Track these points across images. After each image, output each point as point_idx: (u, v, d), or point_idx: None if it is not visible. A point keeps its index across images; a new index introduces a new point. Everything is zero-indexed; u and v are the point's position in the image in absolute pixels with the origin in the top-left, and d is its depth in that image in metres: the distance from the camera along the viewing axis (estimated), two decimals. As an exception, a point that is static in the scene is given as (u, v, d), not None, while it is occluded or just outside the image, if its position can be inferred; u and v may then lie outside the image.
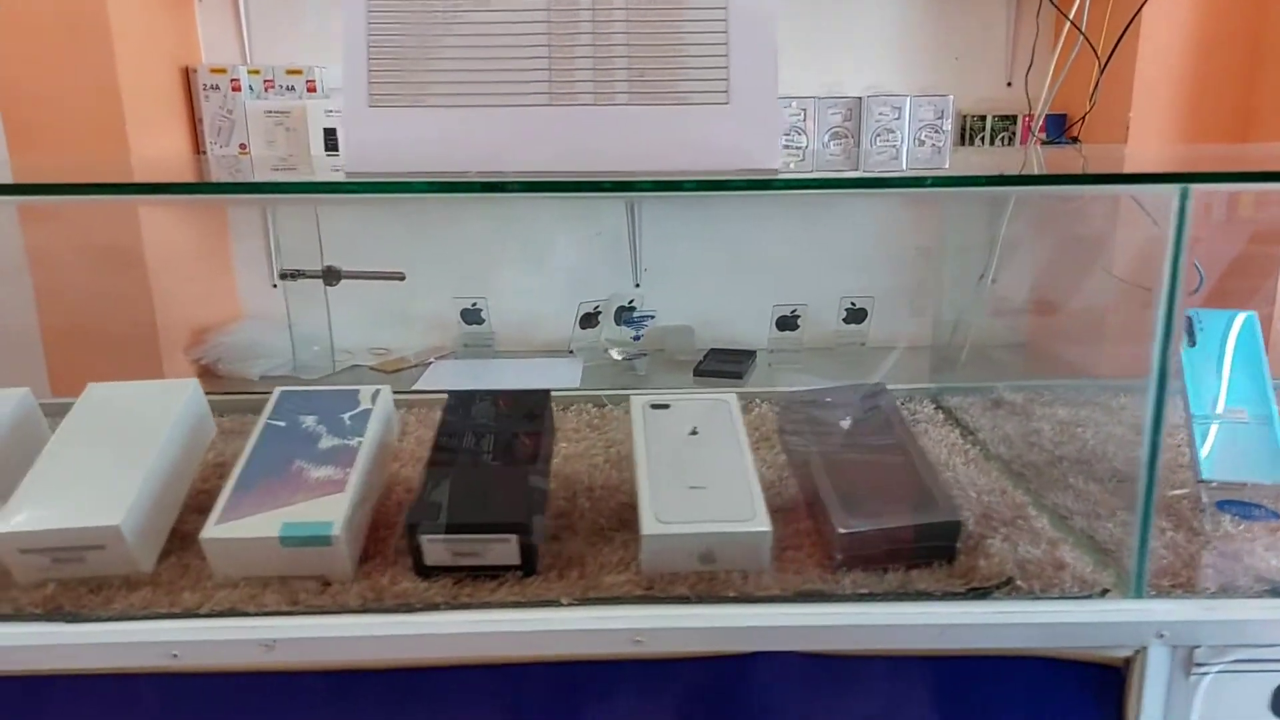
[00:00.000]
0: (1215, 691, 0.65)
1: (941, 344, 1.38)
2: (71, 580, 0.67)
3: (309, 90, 1.90)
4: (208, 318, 2.02)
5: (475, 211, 2.03)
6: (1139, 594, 0.66)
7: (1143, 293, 1.51)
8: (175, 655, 0.62)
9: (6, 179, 0.99)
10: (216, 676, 0.63)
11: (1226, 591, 0.67)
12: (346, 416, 0.77)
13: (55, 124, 1.66)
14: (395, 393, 0.90)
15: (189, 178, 1.16)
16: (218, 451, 0.91)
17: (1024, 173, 1.19)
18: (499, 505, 0.67)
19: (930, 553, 0.68)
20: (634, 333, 1.97)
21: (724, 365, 1.87)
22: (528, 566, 0.67)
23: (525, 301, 2.04)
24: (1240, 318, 0.94)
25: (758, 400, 1.06)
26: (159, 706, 0.63)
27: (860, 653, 0.65)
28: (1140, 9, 1.51)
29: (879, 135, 1.86)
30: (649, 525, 0.66)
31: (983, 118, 1.90)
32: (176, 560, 0.71)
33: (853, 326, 1.99)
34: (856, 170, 1.23)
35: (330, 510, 0.67)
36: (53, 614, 0.64)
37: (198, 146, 1.95)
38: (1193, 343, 0.86)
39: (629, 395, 1.09)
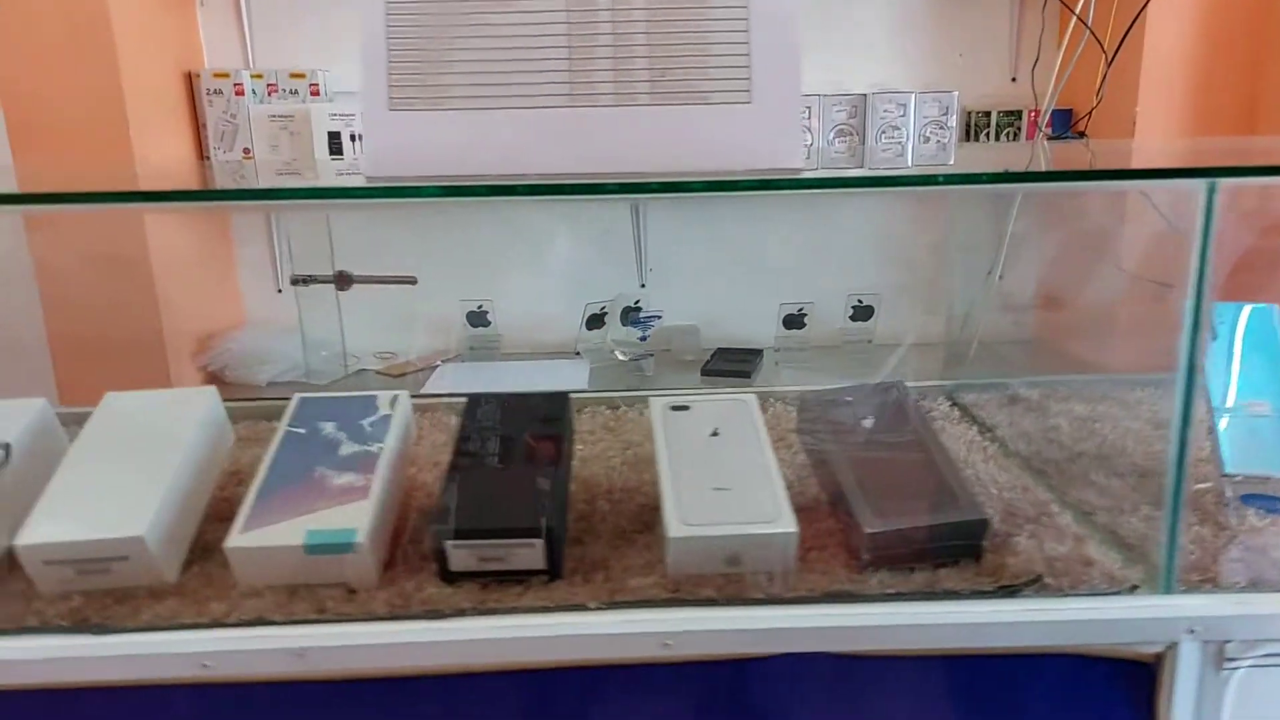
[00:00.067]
0: (1247, 686, 0.64)
1: (955, 340, 1.38)
2: (96, 591, 0.67)
3: (312, 94, 1.89)
4: (213, 324, 2.01)
5: (479, 215, 2.03)
6: (1168, 590, 0.66)
7: (1155, 287, 1.51)
8: (206, 665, 0.61)
9: (11, 187, 0.99)
10: (247, 686, 0.63)
11: (1256, 585, 0.67)
12: (366, 422, 0.77)
13: (59, 130, 1.66)
14: (405, 397, 0.89)
15: (194, 184, 1.15)
16: (233, 459, 0.90)
17: (1036, 169, 1.19)
18: (524, 510, 0.67)
19: (957, 551, 0.68)
20: (641, 333, 1.96)
21: (731, 365, 1.87)
22: (553, 571, 0.67)
23: (531, 303, 2.04)
24: (1250, 310, 0.94)
25: (772, 400, 1.06)
26: (190, 718, 0.63)
27: (890, 653, 0.64)
28: (1146, 3, 1.51)
29: (884, 132, 1.86)
30: (675, 528, 0.66)
31: (987, 113, 1.90)
32: (200, 569, 0.71)
33: (860, 324, 1.99)
34: (862, 167, 1.22)
35: (354, 517, 0.67)
36: (80, 626, 0.64)
37: (201, 151, 1.94)
38: (1214, 336, 0.86)
39: (640, 396, 1.10)
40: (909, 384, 1.16)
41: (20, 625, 0.64)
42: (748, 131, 0.60)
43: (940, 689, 0.65)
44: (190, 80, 1.91)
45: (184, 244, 1.95)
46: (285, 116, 1.85)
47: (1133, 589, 0.66)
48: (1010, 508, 0.77)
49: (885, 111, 1.82)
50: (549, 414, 0.78)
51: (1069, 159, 1.34)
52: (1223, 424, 0.81)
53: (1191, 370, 0.63)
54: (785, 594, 0.65)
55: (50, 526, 0.66)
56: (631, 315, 2.00)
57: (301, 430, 0.76)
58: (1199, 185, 0.61)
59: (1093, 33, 1.49)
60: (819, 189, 0.98)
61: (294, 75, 1.89)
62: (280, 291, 2.10)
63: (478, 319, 2.00)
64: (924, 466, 0.72)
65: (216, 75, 1.86)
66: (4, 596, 0.67)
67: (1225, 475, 0.80)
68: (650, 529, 0.76)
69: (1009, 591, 0.65)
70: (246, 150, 1.88)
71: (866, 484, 0.70)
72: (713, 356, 1.92)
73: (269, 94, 1.89)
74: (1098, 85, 1.52)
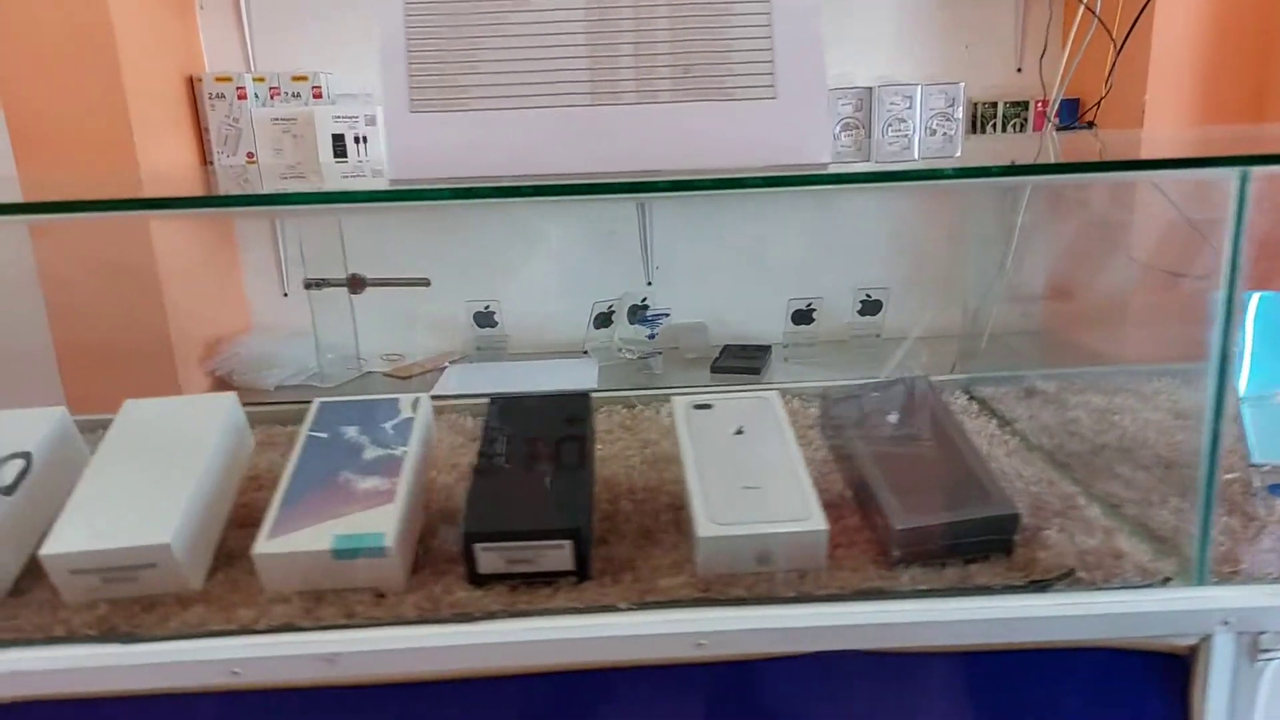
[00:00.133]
0: (1282, 677, 0.64)
1: (971, 334, 1.38)
2: (122, 600, 0.66)
3: (315, 96, 1.89)
4: (219, 329, 2.01)
5: (485, 215, 2.02)
6: (1201, 581, 0.66)
7: (1167, 277, 1.50)
8: (236, 673, 0.61)
9: (16, 196, 0.98)
10: (277, 692, 0.62)
11: (1289, 576, 0.66)
12: (389, 426, 0.76)
13: (63, 137, 1.65)
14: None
15: (199, 190, 1.15)
16: (250, 464, 0.90)
17: (1049, 160, 1.18)
18: (553, 511, 0.66)
19: (988, 546, 0.67)
20: (649, 331, 1.96)
21: (740, 361, 1.87)
22: (581, 572, 0.67)
23: (537, 303, 2.04)
24: (1259, 298, 0.94)
25: (788, 396, 1.05)
26: (224, 725, 0.62)
27: (923, 649, 0.64)
28: (1154, -8, 1.51)
29: (890, 125, 1.85)
30: (704, 528, 0.65)
31: (994, 104, 1.90)
32: (225, 576, 0.70)
33: (868, 319, 1.99)
34: (869, 161, 1.22)
35: (381, 521, 0.66)
36: (107, 635, 0.63)
37: (204, 156, 1.94)
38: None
39: (655, 395, 1.09)
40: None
41: (48, 635, 0.64)
42: (773, 127, 0.59)
43: (973, 685, 0.65)
44: (192, 84, 1.90)
45: (189, 249, 1.94)
46: (288, 120, 1.84)
47: (1165, 581, 0.66)
48: (1037, 501, 0.77)
49: (891, 104, 1.82)
50: (571, 414, 0.77)
51: (1083, 149, 1.33)
52: (1254, 414, 0.81)
53: (1225, 360, 0.63)
54: (816, 592, 0.65)
55: (76, 535, 0.65)
56: (639, 313, 2.00)
57: (323, 435, 0.75)
58: (1230, 174, 0.60)
59: (1101, 22, 1.48)
60: (836, 184, 0.98)
61: (296, 78, 1.89)
62: (286, 295, 2.09)
63: (485, 319, 1.99)
64: (952, 461, 0.71)
65: (219, 79, 1.86)
66: (29, 606, 0.67)
67: (1253, 465, 0.80)
68: (675, 528, 0.76)
69: (1041, 586, 0.65)
70: (250, 154, 1.87)
71: (894, 480, 0.69)
72: (721, 353, 1.92)
73: (271, 97, 1.88)
74: (1106, 74, 1.52)
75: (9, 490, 0.71)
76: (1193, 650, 0.65)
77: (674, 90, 0.59)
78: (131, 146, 1.66)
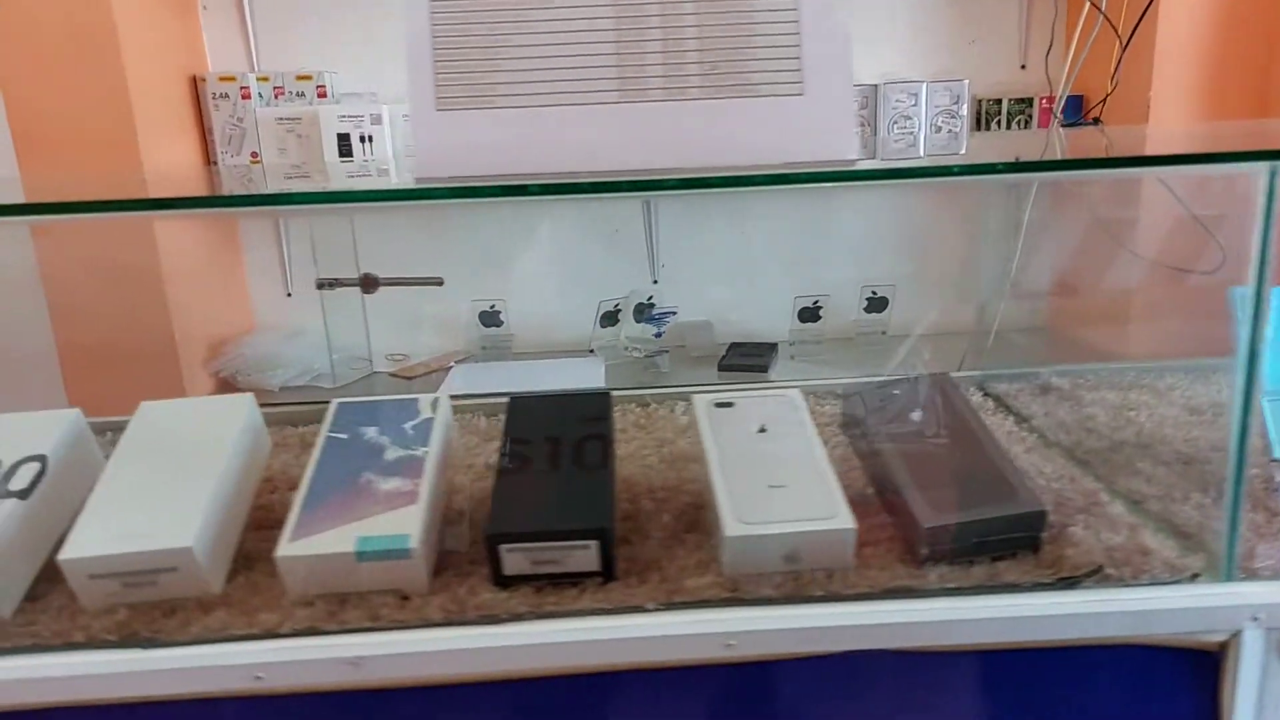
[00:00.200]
0: (1313, 674, 0.64)
1: (981, 331, 1.38)
2: (142, 604, 0.66)
3: (319, 96, 1.88)
4: (223, 330, 2.00)
5: (489, 214, 2.01)
6: (1229, 577, 0.65)
7: (1173, 273, 1.50)
8: (259, 677, 0.60)
9: (18, 196, 0.97)
10: (301, 697, 0.62)
11: (1318, 572, 0.66)
12: (409, 426, 0.76)
13: (65, 137, 1.64)
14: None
15: (204, 190, 1.14)
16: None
17: (1058, 156, 1.18)
18: (579, 511, 0.66)
19: (1015, 544, 0.67)
20: (655, 329, 1.96)
21: (747, 359, 1.86)
22: (607, 572, 0.66)
23: (542, 302, 2.03)
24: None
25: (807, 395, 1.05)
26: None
27: (952, 648, 0.64)
28: (1161, -13, 1.51)
29: (895, 122, 1.85)
30: (732, 527, 0.65)
31: (998, 101, 1.89)
32: (245, 579, 0.69)
33: (874, 315, 1.98)
34: (874, 158, 1.21)
35: (405, 523, 0.66)
36: (128, 640, 0.62)
37: (207, 156, 1.93)
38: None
39: (668, 393, 1.09)
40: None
41: (67, 640, 0.63)
42: (800, 123, 0.59)
43: (1002, 683, 0.64)
44: (195, 84, 1.89)
45: (193, 250, 1.93)
46: (293, 119, 1.83)
47: (1193, 578, 0.65)
48: (1060, 498, 0.77)
49: (897, 101, 1.81)
50: (592, 413, 0.77)
51: (1093, 146, 1.33)
52: (1275, 409, 0.80)
53: (1254, 356, 0.62)
54: (845, 591, 0.64)
55: (95, 539, 0.65)
56: (645, 312, 2.00)
57: (343, 436, 0.75)
58: (1260, 168, 0.60)
59: (1107, 18, 1.48)
60: (843, 181, 0.97)
61: (300, 77, 1.88)
62: (290, 296, 2.08)
63: (490, 319, 1.99)
64: (977, 458, 0.71)
65: (222, 79, 1.85)
66: (47, 612, 0.66)
67: (1274, 460, 0.79)
68: (698, 528, 0.75)
69: (1070, 583, 0.65)
70: (254, 154, 1.87)
71: (920, 478, 0.69)
72: (728, 351, 1.91)
73: (275, 97, 1.87)
74: (1112, 71, 1.52)
75: (24, 494, 0.70)
76: (1222, 647, 0.64)
77: (701, 87, 0.59)
78: (135, 147, 1.65)
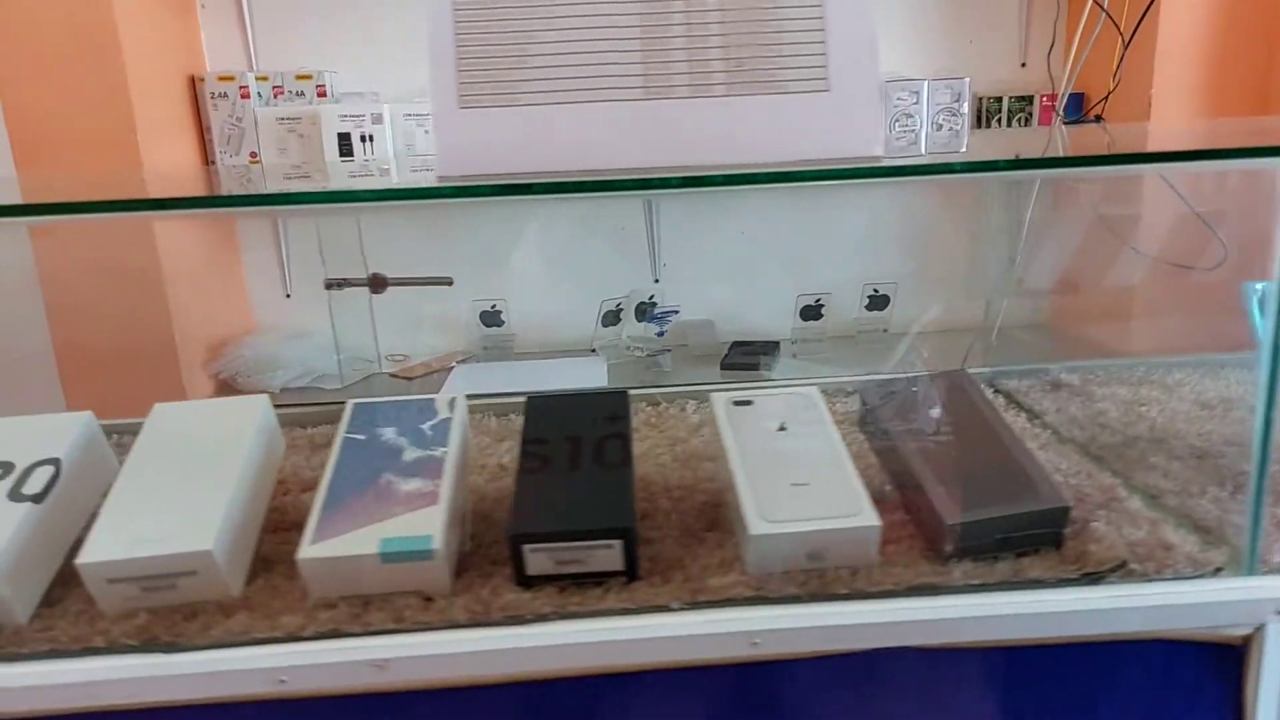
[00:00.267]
0: (1337, 667, 0.64)
1: (986, 328, 1.38)
2: (161, 608, 0.65)
3: (319, 95, 1.87)
4: (222, 331, 1.99)
5: (490, 214, 2.01)
6: (1252, 571, 0.66)
7: (1177, 270, 1.50)
8: (284, 680, 0.60)
9: (15, 197, 0.96)
10: (325, 700, 0.61)
11: (1340, 565, 0.66)
12: (426, 427, 0.75)
13: (64, 138, 1.63)
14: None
15: (206, 191, 1.13)
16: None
17: (1062, 154, 1.18)
18: (603, 511, 0.65)
19: (1038, 540, 0.67)
20: (658, 329, 1.95)
21: (750, 358, 1.86)
22: (630, 572, 0.66)
23: (543, 302, 2.03)
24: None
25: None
26: (272, 734, 0.61)
27: (978, 645, 0.64)
28: (1162, -15, 1.51)
29: (897, 120, 1.85)
30: (756, 526, 0.64)
31: (999, 99, 1.90)
32: (264, 582, 0.69)
33: (875, 314, 1.98)
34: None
35: (427, 523, 0.65)
36: (149, 644, 0.62)
37: (205, 156, 1.91)
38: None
39: (676, 392, 1.08)
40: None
41: (86, 645, 0.62)
42: (827, 120, 0.59)
43: (1027, 679, 0.64)
44: (193, 84, 1.88)
45: (192, 251, 1.92)
46: (293, 119, 1.82)
47: (1216, 572, 0.66)
48: (1079, 494, 0.77)
49: (899, 99, 1.81)
50: (610, 412, 0.76)
51: (1094, 143, 1.33)
52: None
53: (1277, 352, 0.62)
54: (869, 589, 0.64)
55: (113, 543, 0.64)
56: (647, 311, 1.99)
57: (360, 436, 0.74)
58: (1278, 164, 0.60)
59: (1109, 16, 1.48)
60: (849, 179, 0.97)
61: (300, 77, 1.87)
62: (289, 296, 2.07)
63: (491, 319, 1.98)
64: (998, 455, 0.71)
65: (221, 78, 1.83)
66: (64, 616, 0.65)
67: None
68: (717, 526, 0.75)
69: (1094, 578, 0.65)
70: (253, 154, 1.85)
71: (943, 475, 0.69)
72: (730, 350, 1.91)
73: (275, 96, 1.86)
74: (1114, 68, 1.52)
75: (39, 498, 0.69)
76: (1245, 641, 0.65)
77: (727, 84, 0.59)
78: (135, 147, 1.64)
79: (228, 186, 1.18)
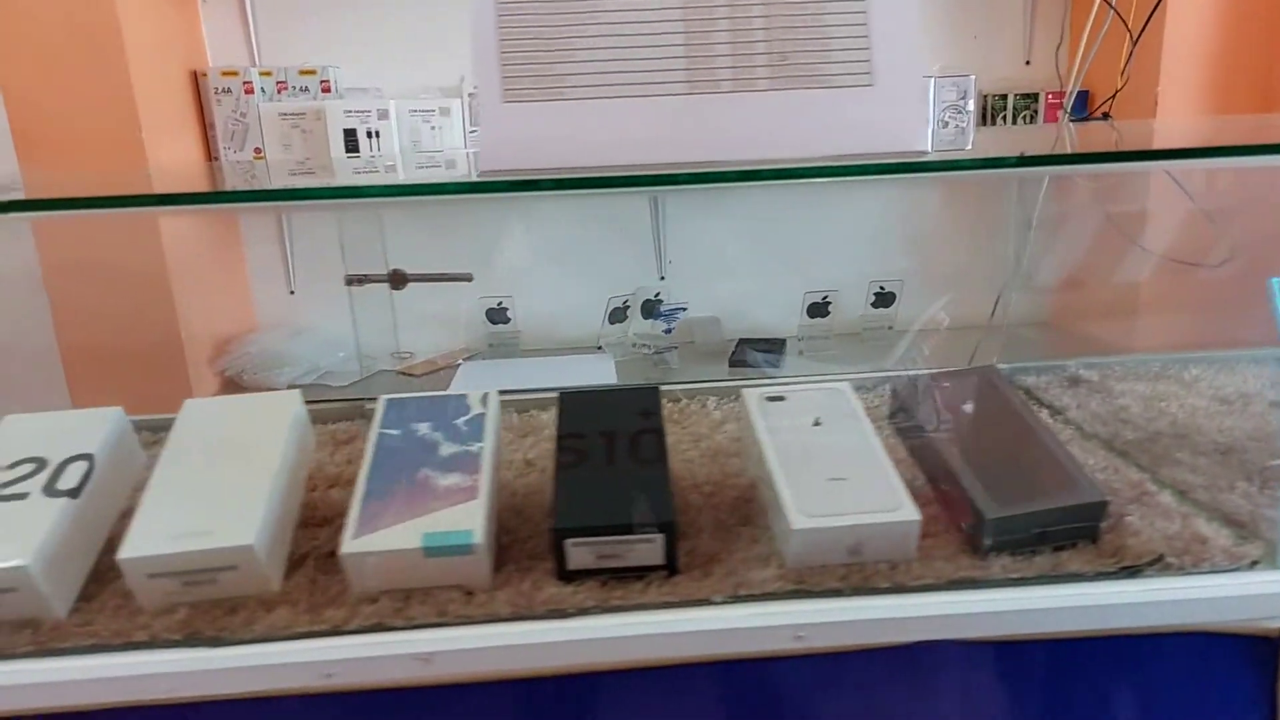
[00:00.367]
0: (1371, 658, 0.65)
1: (996, 325, 1.39)
2: (201, 603, 0.65)
3: (323, 91, 1.86)
4: (226, 328, 1.98)
5: (494, 210, 2.00)
6: (1287, 564, 0.66)
7: (1184, 266, 1.51)
8: (329, 675, 0.60)
9: (18, 194, 0.96)
10: (370, 694, 0.61)
11: (1371, 558, 0.67)
12: (461, 422, 0.75)
13: (68, 135, 1.61)
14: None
15: (207, 186, 1.13)
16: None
17: (1067, 151, 1.18)
18: (644, 505, 0.65)
19: (1076, 534, 0.67)
20: (665, 326, 1.95)
21: (758, 355, 1.87)
22: (670, 566, 0.66)
23: (548, 299, 2.03)
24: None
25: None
26: (315, 728, 0.61)
27: (1016, 638, 0.64)
28: (1171, -17, 1.52)
29: (903, 118, 1.86)
30: (798, 520, 0.65)
31: (1004, 97, 1.91)
32: (301, 576, 0.69)
33: (881, 311, 1.99)
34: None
35: (468, 518, 0.65)
36: (192, 639, 0.62)
37: (209, 152, 1.90)
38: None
39: (695, 389, 1.09)
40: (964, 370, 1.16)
41: (128, 640, 0.62)
42: (870, 114, 0.59)
43: (1063, 672, 0.65)
44: (195, 79, 1.87)
45: (196, 248, 1.91)
46: (297, 114, 1.81)
47: (1253, 565, 0.66)
48: (1109, 489, 0.77)
49: (906, 97, 1.82)
50: (643, 408, 0.76)
51: (1103, 140, 1.34)
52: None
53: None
54: (910, 582, 0.65)
55: (154, 538, 0.64)
56: (653, 308, 1.99)
57: (395, 432, 0.74)
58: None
59: (1117, 13, 1.49)
60: (857, 176, 0.98)
61: (304, 72, 1.86)
62: (293, 293, 2.07)
63: (497, 316, 1.98)
64: (1034, 450, 0.71)
65: (225, 74, 1.82)
66: (103, 612, 0.65)
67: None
68: (750, 521, 0.75)
69: (1132, 572, 0.65)
70: (258, 150, 1.85)
71: (979, 469, 0.69)
72: (736, 347, 1.92)
73: (278, 92, 1.85)
74: (1122, 66, 1.53)
75: (75, 493, 0.69)
76: (1280, 633, 0.65)
77: (771, 78, 0.59)
78: (140, 144, 1.63)
79: (234, 183, 1.18)
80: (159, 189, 1.08)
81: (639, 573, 0.66)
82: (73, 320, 1.72)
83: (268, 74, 1.85)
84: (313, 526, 0.77)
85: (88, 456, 0.72)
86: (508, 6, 0.59)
